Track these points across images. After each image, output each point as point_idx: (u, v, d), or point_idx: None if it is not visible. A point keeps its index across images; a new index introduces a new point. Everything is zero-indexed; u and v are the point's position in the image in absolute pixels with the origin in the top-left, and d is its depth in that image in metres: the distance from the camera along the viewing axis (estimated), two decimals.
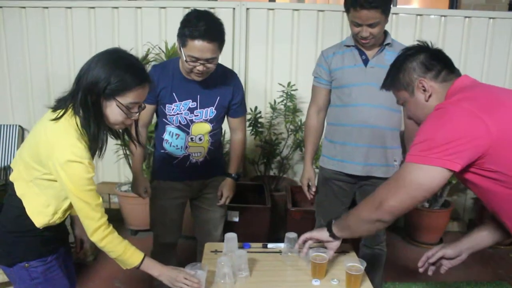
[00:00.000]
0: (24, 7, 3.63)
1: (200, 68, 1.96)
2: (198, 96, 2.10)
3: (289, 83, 3.44)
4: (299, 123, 3.47)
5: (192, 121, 2.13)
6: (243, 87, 3.63)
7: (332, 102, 2.38)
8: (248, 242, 2.02)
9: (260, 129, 3.50)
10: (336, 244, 1.74)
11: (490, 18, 3.60)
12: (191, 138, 2.15)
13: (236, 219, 2.84)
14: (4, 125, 3.74)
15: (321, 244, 1.79)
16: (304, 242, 1.77)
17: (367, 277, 1.79)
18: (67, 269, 1.72)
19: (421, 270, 1.72)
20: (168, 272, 1.60)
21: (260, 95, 3.72)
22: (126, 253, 1.54)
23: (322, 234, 1.73)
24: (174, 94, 2.08)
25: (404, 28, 3.58)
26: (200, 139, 2.16)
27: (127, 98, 1.45)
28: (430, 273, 1.71)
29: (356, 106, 2.24)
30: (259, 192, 3.28)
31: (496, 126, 1.24)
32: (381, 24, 2.13)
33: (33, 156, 1.48)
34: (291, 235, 1.94)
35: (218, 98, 2.14)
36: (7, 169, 1.42)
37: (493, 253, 3.48)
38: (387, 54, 2.22)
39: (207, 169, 2.26)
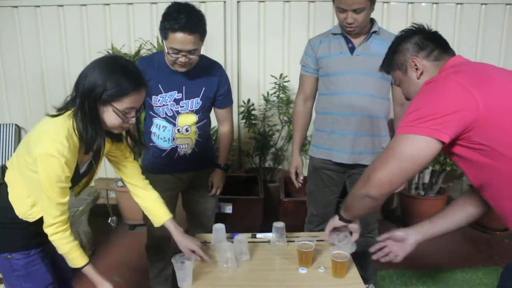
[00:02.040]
0: (16, 6, 3.65)
1: (182, 59, 1.98)
2: (184, 87, 2.12)
3: (281, 75, 3.45)
4: (292, 114, 3.47)
5: (178, 112, 2.15)
6: (237, 79, 3.71)
7: (320, 90, 2.39)
8: (239, 233, 2.04)
9: (254, 121, 3.52)
10: (354, 226, 1.75)
11: (482, 4, 3.59)
12: (178, 130, 2.17)
13: (230, 211, 2.87)
14: (0, 124, 3.77)
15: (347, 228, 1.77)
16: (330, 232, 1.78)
17: (354, 264, 1.81)
18: (58, 263, 1.75)
19: (374, 257, 1.72)
20: (103, 284, 1.63)
21: (253, 87, 3.74)
22: (70, 254, 1.58)
23: (335, 220, 1.74)
24: (159, 85, 2.11)
25: (395, 17, 3.57)
26: (187, 130, 2.18)
27: (123, 104, 1.48)
28: (382, 259, 1.72)
29: (342, 94, 2.25)
30: (254, 183, 3.29)
31: (485, 101, 1.25)
32: (366, 10, 2.13)
33: (26, 147, 1.52)
34: (278, 224, 1.96)
35: (204, 88, 2.16)
36: (5, 169, 1.44)
37: (489, 239, 3.49)
38: (374, 42, 2.22)
39: (196, 161, 2.28)
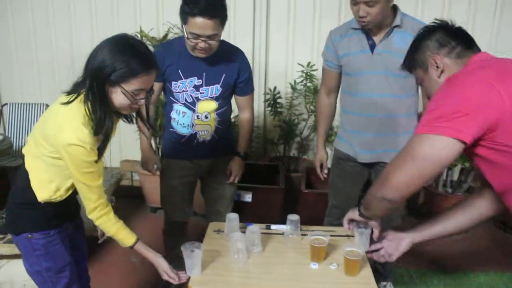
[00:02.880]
0: None
1: (202, 45, 1.96)
2: (204, 74, 2.10)
3: (308, 63, 3.37)
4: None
5: (198, 99, 2.13)
6: (264, 67, 3.66)
7: (342, 87, 2.32)
8: (257, 223, 2.02)
9: (280, 110, 3.47)
10: (374, 223, 1.72)
11: None
12: (197, 116, 2.16)
13: (249, 199, 2.85)
14: (32, 104, 3.87)
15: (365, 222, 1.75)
16: (349, 223, 1.79)
17: (368, 263, 1.76)
18: (75, 244, 1.78)
19: (369, 255, 1.71)
20: (157, 260, 1.72)
21: (281, 75, 3.69)
22: (118, 234, 1.65)
23: (354, 213, 1.71)
24: (179, 71, 2.09)
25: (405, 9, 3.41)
26: (206, 117, 2.17)
27: (132, 85, 1.46)
28: (376, 259, 1.71)
29: (363, 95, 2.17)
30: (276, 173, 3.26)
31: (510, 96, 1.17)
32: (380, 3, 1.96)
33: (42, 135, 1.53)
34: (293, 217, 1.93)
35: (224, 75, 2.13)
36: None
37: None
38: (396, 36, 2.08)
39: (215, 148, 2.27)
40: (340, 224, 2.44)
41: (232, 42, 3.57)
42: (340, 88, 2.33)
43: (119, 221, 1.65)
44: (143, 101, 1.52)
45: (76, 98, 1.49)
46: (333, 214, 2.51)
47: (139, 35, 3.39)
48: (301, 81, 3.41)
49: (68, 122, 1.46)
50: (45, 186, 1.58)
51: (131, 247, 1.69)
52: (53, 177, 1.57)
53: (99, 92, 1.45)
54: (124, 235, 1.66)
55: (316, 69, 3.39)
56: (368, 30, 2.10)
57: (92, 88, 1.45)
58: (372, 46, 2.11)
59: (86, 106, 1.47)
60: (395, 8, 2.09)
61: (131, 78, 1.45)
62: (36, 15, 3.80)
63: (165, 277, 1.71)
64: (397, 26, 2.08)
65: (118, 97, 1.48)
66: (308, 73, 3.37)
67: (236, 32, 3.65)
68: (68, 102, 1.48)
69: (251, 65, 3.62)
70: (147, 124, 1.73)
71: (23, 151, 1.64)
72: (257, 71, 3.69)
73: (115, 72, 1.42)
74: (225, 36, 3.46)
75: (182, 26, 1.97)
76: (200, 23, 1.89)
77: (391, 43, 2.08)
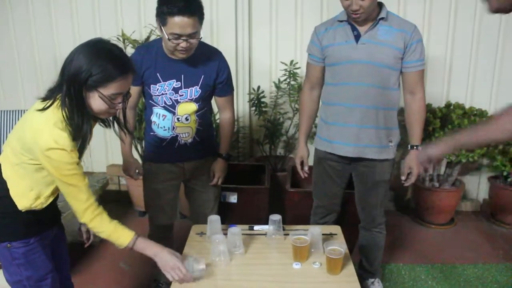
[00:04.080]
0: None
1: (183, 44, 1.95)
2: (182, 76, 2.09)
3: (291, 62, 3.36)
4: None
5: (177, 101, 2.12)
6: (248, 66, 3.64)
7: (326, 80, 2.31)
8: (239, 224, 2.00)
9: (265, 109, 3.46)
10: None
11: None
12: (178, 119, 2.14)
13: (235, 200, 2.83)
14: (16, 111, 3.81)
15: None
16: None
17: (351, 261, 1.76)
18: (56, 251, 1.76)
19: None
20: (165, 256, 1.63)
21: (265, 74, 3.67)
22: (115, 234, 1.59)
23: (430, 152, 1.62)
24: (158, 74, 2.08)
25: (413, 1, 3.42)
26: (186, 119, 2.15)
27: (109, 89, 1.45)
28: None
29: (346, 84, 2.17)
30: (262, 172, 3.25)
31: None
32: None
33: (19, 143, 1.51)
34: (275, 217, 1.93)
35: (203, 76, 2.12)
36: None
37: (505, 233, 3.36)
38: (381, 29, 2.12)
39: (197, 150, 2.25)
40: (325, 223, 2.46)
41: (215, 41, 3.62)
42: (324, 83, 2.32)
43: (113, 220, 1.61)
44: (120, 105, 1.52)
45: (52, 104, 1.47)
46: (318, 213, 2.51)
47: (121, 38, 3.37)
48: (285, 80, 3.40)
49: (45, 128, 1.44)
50: (25, 194, 1.56)
51: (131, 247, 1.61)
52: (33, 185, 1.56)
53: (76, 97, 1.44)
54: (120, 234, 1.60)
55: (299, 67, 3.38)
56: (356, 23, 2.12)
57: (69, 93, 1.44)
58: (357, 37, 2.13)
59: (63, 111, 1.46)
60: (380, 4, 2.13)
61: (108, 83, 1.44)
62: (17, 19, 3.75)
63: (171, 276, 1.61)
64: (382, 18, 2.11)
65: (96, 102, 1.47)
66: (292, 72, 3.36)
67: (218, 31, 3.63)
68: (44, 109, 1.47)
69: (234, 65, 3.66)
70: (124, 129, 1.71)
71: (0, 159, 1.62)
72: (241, 71, 3.67)
73: (92, 77, 1.42)
74: (207, 35, 3.52)
75: (160, 29, 1.95)
76: (180, 22, 1.88)
77: (376, 35, 2.11)
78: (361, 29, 2.14)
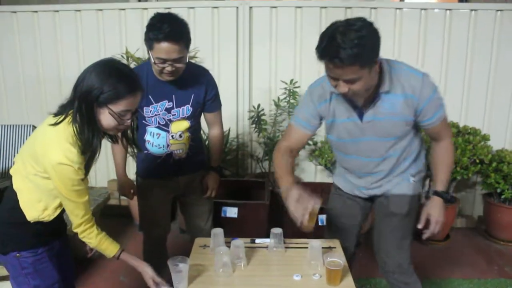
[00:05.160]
0: (36, 11, 3.78)
1: (169, 68, 2.00)
2: (173, 96, 2.15)
3: (291, 81, 3.46)
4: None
5: (170, 120, 2.18)
6: (248, 84, 3.74)
7: (333, 146, 2.11)
8: (242, 238, 2.05)
9: (264, 126, 3.54)
10: None
11: (497, 10, 3.53)
12: (172, 136, 2.21)
13: (235, 215, 2.89)
14: (19, 125, 3.88)
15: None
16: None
17: (350, 273, 1.81)
18: (62, 261, 1.81)
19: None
20: (142, 268, 1.78)
21: (265, 92, 3.76)
22: (101, 245, 1.71)
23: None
24: (150, 96, 2.13)
25: (408, 23, 3.54)
26: (180, 136, 2.22)
27: (119, 106, 1.53)
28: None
29: (355, 158, 2.02)
30: (262, 189, 3.31)
31: None
32: (364, 78, 1.65)
33: (31, 155, 1.58)
34: (276, 230, 1.98)
35: (193, 95, 2.18)
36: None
37: (500, 250, 3.42)
38: (384, 100, 1.80)
39: (190, 165, 2.32)
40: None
41: (216, 60, 3.72)
42: (327, 135, 2.08)
43: (102, 232, 1.71)
44: (129, 121, 1.60)
45: (64, 119, 1.55)
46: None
47: (125, 56, 3.46)
48: (285, 98, 3.49)
49: (57, 142, 1.52)
50: (34, 206, 1.63)
51: (117, 257, 1.74)
52: (41, 197, 1.62)
53: (87, 113, 1.52)
54: (107, 245, 1.71)
55: (299, 86, 3.48)
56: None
57: (80, 109, 1.51)
58: (360, 113, 1.86)
59: (74, 126, 1.53)
60: (381, 68, 1.76)
61: (118, 100, 1.52)
62: (23, 38, 3.85)
63: (150, 283, 1.75)
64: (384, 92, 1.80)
65: (106, 118, 1.55)
66: (291, 90, 3.45)
67: (220, 51, 3.73)
68: (56, 124, 1.54)
69: (235, 83, 3.75)
70: (134, 145, 1.79)
71: (11, 172, 1.68)
72: (241, 89, 3.77)
73: (103, 94, 1.50)
74: (208, 55, 3.62)
75: (148, 52, 2.01)
76: (165, 48, 1.92)
77: (380, 108, 1.82)
78: (361, 104, 1.84)
